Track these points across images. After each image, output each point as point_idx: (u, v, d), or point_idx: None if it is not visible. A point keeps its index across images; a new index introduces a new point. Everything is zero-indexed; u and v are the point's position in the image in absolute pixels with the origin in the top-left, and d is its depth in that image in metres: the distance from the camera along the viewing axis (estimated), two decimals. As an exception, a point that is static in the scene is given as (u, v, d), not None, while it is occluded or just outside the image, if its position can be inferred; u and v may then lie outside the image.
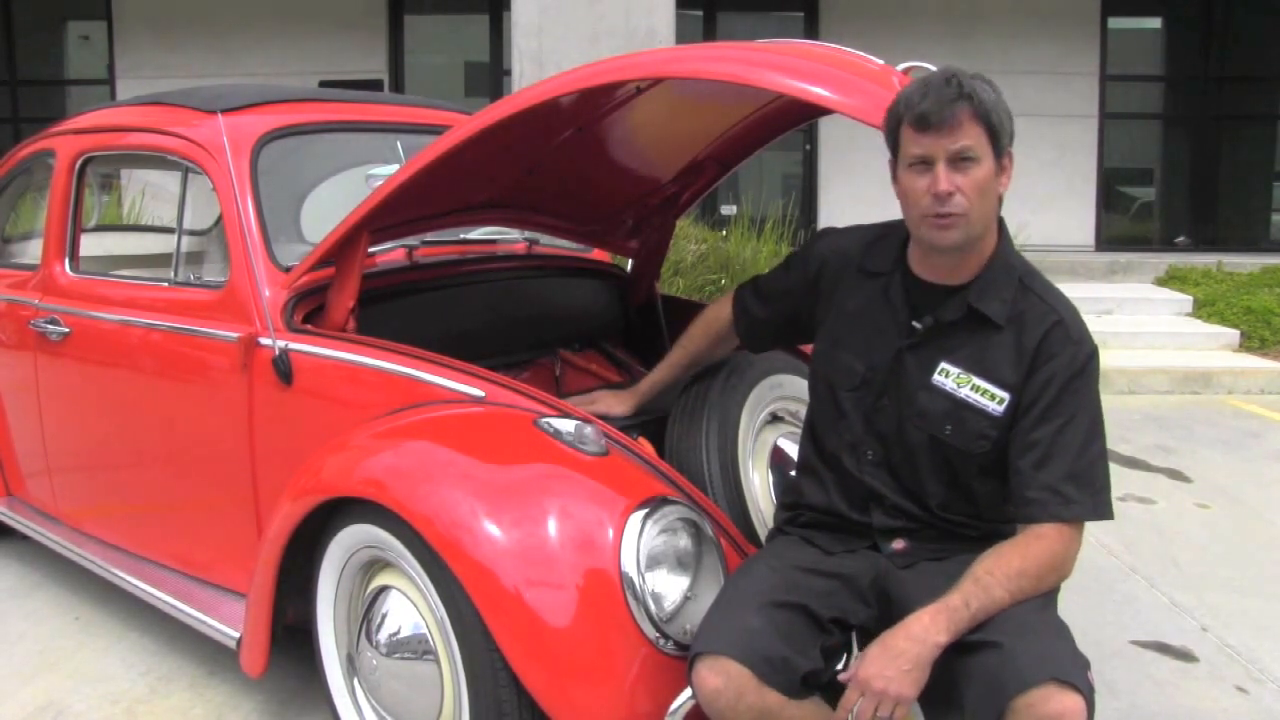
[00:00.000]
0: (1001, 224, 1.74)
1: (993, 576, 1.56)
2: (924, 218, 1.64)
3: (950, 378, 1.70)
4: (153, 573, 2.70)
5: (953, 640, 1.52)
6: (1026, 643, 1.49)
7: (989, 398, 1.68)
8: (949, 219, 1.62)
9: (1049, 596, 1.65)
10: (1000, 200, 1.68)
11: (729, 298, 2.13)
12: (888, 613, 1.71)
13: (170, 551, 2.71)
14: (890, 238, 1.82)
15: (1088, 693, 1.45)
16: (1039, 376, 1.65)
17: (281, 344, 2.29)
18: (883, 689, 1.50)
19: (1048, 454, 1.63)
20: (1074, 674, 1.45)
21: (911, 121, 1.60)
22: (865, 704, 1.51)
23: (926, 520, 1.76)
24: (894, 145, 1.66)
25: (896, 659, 1.51)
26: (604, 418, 2.09)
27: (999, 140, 1.61)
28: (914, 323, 1.74)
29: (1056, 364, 1.65)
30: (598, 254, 3.11)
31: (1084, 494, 1.62)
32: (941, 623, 1.52)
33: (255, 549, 2.19)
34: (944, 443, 1.71)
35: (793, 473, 2.18)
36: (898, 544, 1.78)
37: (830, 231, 1.97)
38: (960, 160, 1.59)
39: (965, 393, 1.69)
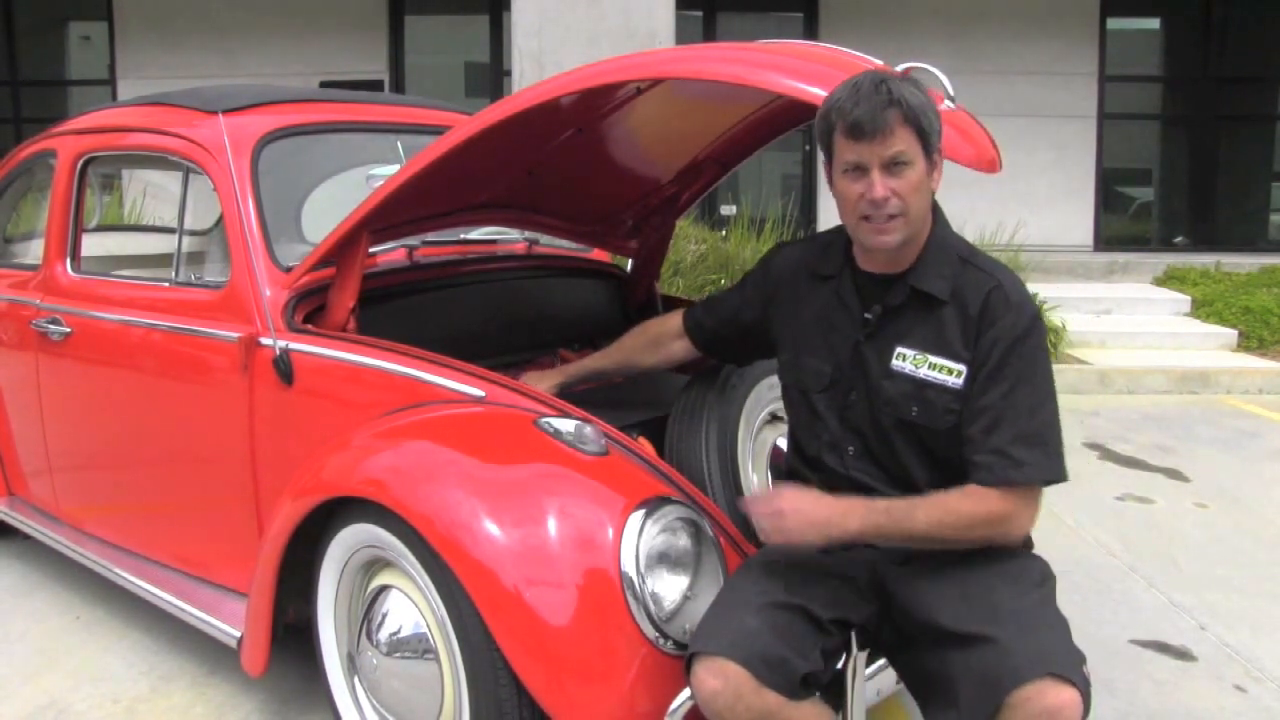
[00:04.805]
0: (937, 207, 1.77)
1: (922, 504, 1.64)
2: (861, 221, 1.69)
3: (908, 360, 1.74)
4: (154, 572, 2.71)
5: (861, 533, 1.65)
6: (1022, 637, 1.50)
7: (947, 373, 1.71)
8: (889, 222, 1.66)
9: (1046, 590, 1.66)
10: (932, 194, 1.72)
11: (676, 314, 2.21)
12: (887, 610, 1.72)
13: (171, 551, 2.72)
14: (838, 241, 1.86)
15: (1083, 686, 1.46)
16: (984, 342, 1.68)
17: (282, 344, 2.30)
18: (785, 517, 1.65)
19: (997, 419, 1.65)
20: (1069, 668, 1.46)
21: (844, 130, 1.63)
22: (765, 516, 1.67)
23: None
24: (828, 150, 1.69)
25: (810, 509, 1.66)
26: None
27: (929, 141, 1.64)
28: (865, 315, 1.78)
29: (999, 329, 1.68)
30: (597, 254, 3.11)
31: (1035, 454, 1.64)
32: (859, 511, 1.65)
33: (256, 548, 2.19)
34: (913, 424, 1.74)
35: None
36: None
37: (783, 245, 2.03)
38: (894, 165, 1.63)
39: (924, 372, 1.72)
